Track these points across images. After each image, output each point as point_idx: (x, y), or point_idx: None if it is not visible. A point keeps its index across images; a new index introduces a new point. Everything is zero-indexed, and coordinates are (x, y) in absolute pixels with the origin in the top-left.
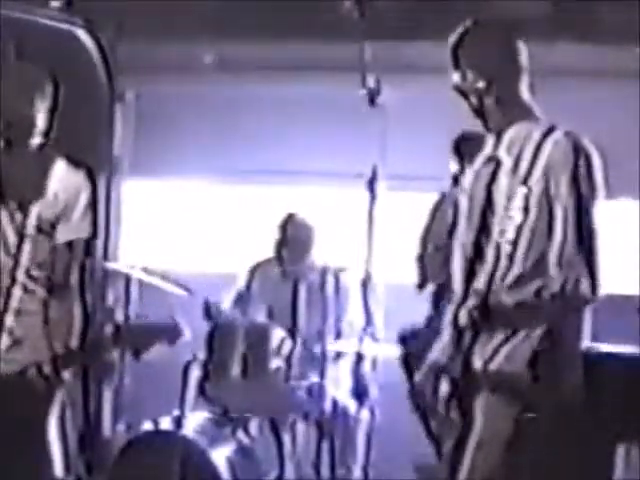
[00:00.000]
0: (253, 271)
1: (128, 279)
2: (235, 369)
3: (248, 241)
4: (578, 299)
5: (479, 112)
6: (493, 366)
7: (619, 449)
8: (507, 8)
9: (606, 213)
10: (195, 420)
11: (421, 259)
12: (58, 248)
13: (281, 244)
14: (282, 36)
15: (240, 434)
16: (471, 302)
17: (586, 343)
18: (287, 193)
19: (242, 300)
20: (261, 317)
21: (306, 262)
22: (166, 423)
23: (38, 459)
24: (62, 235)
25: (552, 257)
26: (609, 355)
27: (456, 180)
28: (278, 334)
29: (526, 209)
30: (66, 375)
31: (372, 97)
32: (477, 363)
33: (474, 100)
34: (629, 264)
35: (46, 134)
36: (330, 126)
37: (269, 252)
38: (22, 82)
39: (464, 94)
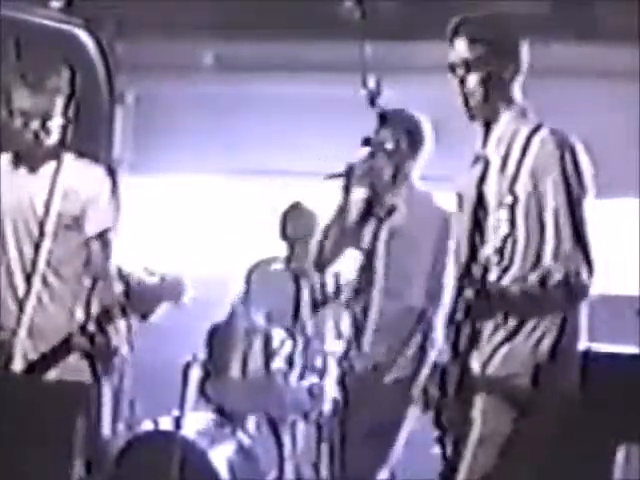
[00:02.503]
0: (253, 270)
1: (128, 281)
2: (235, 369)
3: (248, 240)
4: (582, 289)
5: (463, 92)
6: (491, 367)
7: (619, 449)
8: (507, 8)
9: (606, 212)
10: (195, 420)
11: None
12: (91, 241)
13: (284, 236)
14: (282, 36)
15: (240, 434)
16: (467, 292)
17: (586, 343)
18: (286, 193)
19: (244, 300)
20: (262, 317)
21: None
22: (166, 423)
23: (60, 457)
24: (91, 228)
25: (547, 253)
26: (609, 355)
27: None
28: (278, 334)
29: (512, 220)
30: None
31: (372, 97)
32: (475, 364)
33: (460, 72)
34: (629, 264)
35: (65, 118)
36: (330, 126)
37: (269, 251)
38: (37, 72)
39: (454, 71)
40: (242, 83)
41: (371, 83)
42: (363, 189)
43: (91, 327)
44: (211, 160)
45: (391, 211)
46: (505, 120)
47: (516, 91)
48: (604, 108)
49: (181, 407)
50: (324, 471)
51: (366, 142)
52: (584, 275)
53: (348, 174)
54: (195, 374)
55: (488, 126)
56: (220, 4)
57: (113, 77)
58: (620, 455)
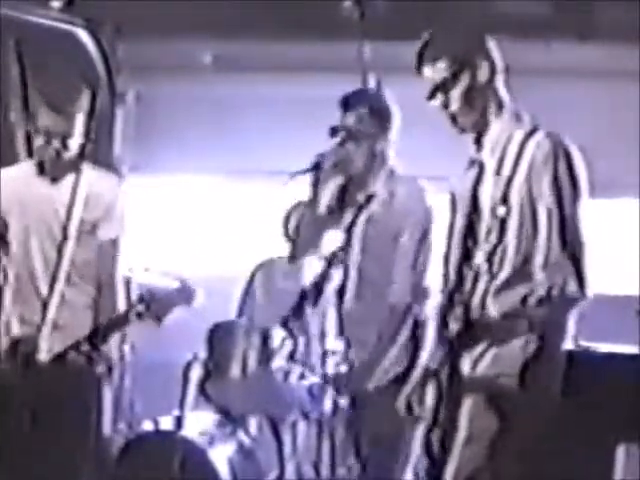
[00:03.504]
0: (255, 271)
1: (128, 281)
2: (235, 369)
3: (247, 241)
4: (566, 301)
5: (451, 115)
6: (480, 367)
7: (619, 449)
8: (507, 8)
9: (605, 212)
10: (195, 420)
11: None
12: (103, 246)
13: (287, 235)
14: (282, 36)
15: (240, 434)
16: (458, 311)
17: (586, 343)
18: (286, 193)
19: (245, 300)
20: (263, 317)
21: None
22: (166, 423)
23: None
24: (105, 233)
25: (538, 260)
26: (608, 355)
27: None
28: (279, 334)
29: (503, 230)
30: (105, 350)
31: None
32: (464, 366)
33: (441, 96)
34: (629, 264)
35: (86, 136)
36: (330, 126)
37: (271, 251)
38: (58, 90)
39: (434, 95)
40: (242, 83)
41: (371, 83)
42: (339, 178)
43: (96, 339)
44: (211, 160)
45: (370, 197)
46: (499, 125)
47: (503, 91)
48: (604, 108)
49: (181, 407)
50: (324, 471)
51: (333, 131)
52: (571, 285)
53: (316, 168)
54: (195, 374)
55: (480, 132)
56: (220, 4)
57: (113, 77)
58: (620, 455)
